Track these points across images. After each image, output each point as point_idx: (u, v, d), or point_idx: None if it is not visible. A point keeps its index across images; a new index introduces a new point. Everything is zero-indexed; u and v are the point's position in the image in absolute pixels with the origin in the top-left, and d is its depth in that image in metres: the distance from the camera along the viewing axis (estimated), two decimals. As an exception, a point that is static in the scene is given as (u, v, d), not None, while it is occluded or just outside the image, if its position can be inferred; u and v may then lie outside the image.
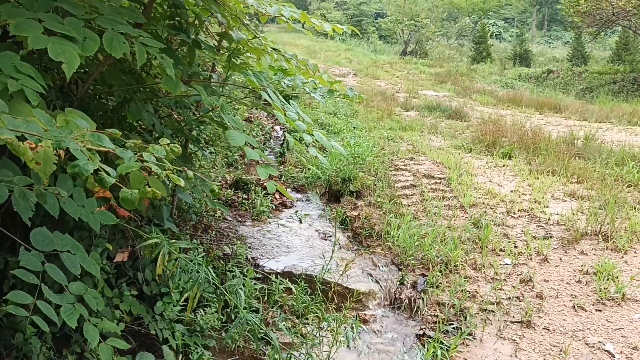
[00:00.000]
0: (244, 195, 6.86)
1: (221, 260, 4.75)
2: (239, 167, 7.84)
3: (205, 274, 2.45)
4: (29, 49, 2.18)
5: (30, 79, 1.90)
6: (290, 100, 3.52)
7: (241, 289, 2.64)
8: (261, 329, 2.55)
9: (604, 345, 3.93)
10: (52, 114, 2.06)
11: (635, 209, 6.31)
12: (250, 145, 2.81)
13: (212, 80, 3.89)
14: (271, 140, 11.14)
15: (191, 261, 2.43)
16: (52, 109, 2.71)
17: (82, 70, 3.13)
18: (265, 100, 3.28)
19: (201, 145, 4.68)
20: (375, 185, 6.97)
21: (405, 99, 15.62)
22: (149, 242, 2.40)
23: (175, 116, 4.49)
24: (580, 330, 4.13)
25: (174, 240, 2.54)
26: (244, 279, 4.40)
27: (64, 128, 1.73)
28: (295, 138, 3.52)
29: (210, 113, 3.84)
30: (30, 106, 1.90)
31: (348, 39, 36.40)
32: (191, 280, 2.41)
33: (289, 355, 3.66)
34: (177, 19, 3.30)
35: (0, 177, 1.83)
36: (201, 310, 4.13)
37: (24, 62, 1.99)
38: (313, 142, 3.33)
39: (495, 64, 29.13)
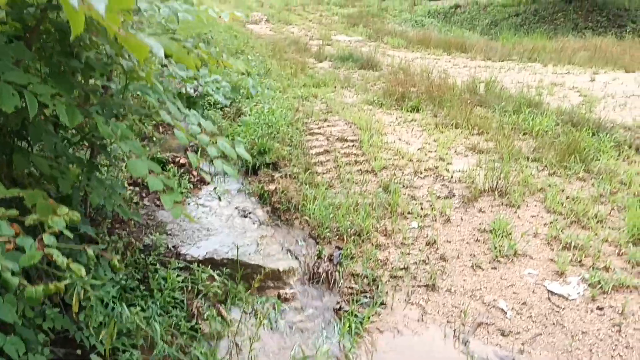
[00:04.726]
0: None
1: (142, 254, 4.84)
2: (156, 142, 7.75)
3: (120, 309, 2.58)
4: None
5: None
6: (191, 110, 3.60)
7: (156, 320, 2.79)
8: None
9: (498, 303, 4.42)
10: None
11: (528, 159, 6.87)
12: (153, 172, 2.91)
13: (110, 91, 3.85)
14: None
15: (105, 300, 2.55)
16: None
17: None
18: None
19: (110, 150, 4.63)
20: (290, 154, 7.14)
21: (319, 48, 15.61)
22: (62, 284, 2.49)
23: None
24: (478, 289, 4.60)
25: (88, 278, 2.63)
26: (166, 272, 4.57)
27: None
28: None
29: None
30: None
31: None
32: (107, 316, 2.54)
33: (215, 347, 3.92)
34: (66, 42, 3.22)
35: None
36: (126, 310, 4.27)
37: None
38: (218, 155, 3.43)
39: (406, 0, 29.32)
